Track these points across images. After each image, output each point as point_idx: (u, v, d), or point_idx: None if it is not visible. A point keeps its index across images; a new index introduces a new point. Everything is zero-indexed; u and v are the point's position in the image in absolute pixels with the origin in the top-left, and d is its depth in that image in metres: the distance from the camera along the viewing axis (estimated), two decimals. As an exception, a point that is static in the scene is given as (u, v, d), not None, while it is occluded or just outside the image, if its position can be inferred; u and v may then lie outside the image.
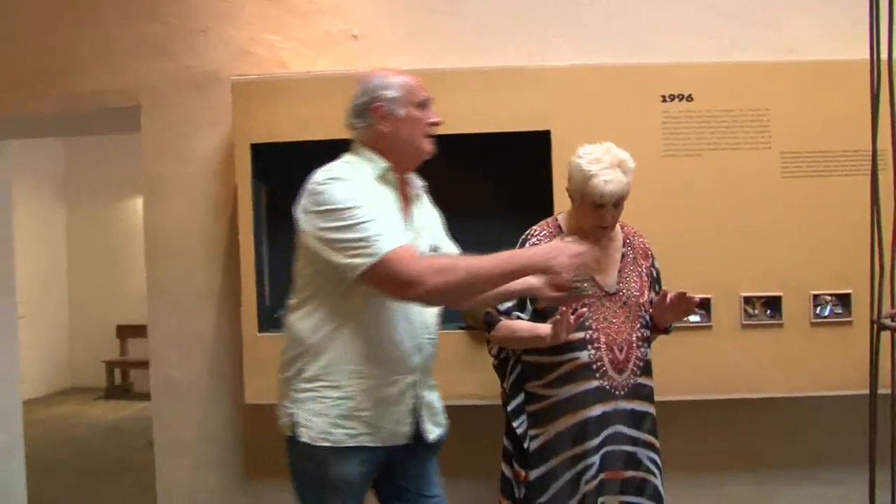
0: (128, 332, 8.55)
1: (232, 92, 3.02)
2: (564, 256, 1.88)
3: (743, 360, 2.88)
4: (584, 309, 2.21)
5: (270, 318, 3.03)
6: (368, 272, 1.81)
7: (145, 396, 7.47)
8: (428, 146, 2.06)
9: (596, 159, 2.23)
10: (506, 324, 2.30)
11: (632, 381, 2.28)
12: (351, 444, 1.94)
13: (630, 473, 2.29)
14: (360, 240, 1.82)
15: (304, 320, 1.97)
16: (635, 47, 3.02)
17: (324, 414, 1.93)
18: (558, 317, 2.15)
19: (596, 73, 2.91)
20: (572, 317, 2.13)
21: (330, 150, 2.87)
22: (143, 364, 7.62)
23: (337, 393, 1.94)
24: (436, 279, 1.80)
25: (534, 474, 2.28)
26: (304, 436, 1.93)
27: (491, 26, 3.09)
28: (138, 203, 8.59)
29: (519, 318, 2.31)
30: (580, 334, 2.24)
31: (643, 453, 2.30)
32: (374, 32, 3.13)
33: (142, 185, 3.33)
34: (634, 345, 2.29)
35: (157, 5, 3.27)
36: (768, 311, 2.89)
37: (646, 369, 2.33)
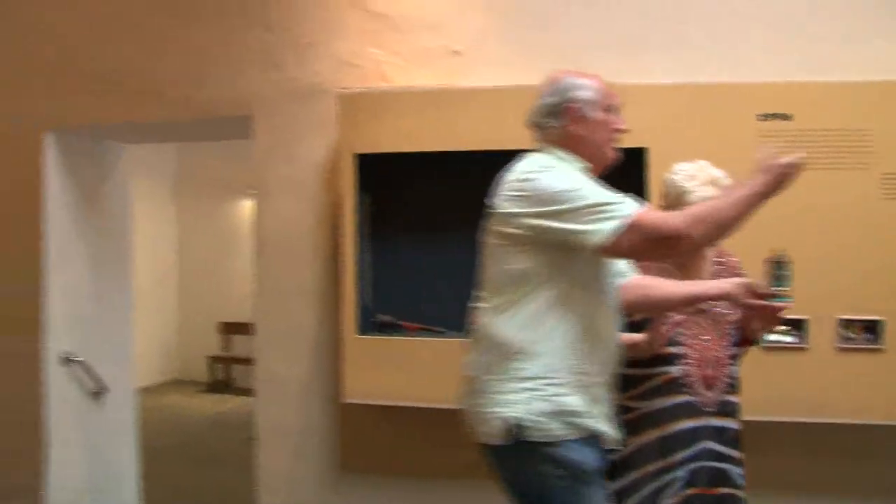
0: (231, 329, 8.91)
1: (337, 103, 3.15)
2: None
3: (838, 384, 2.82)
4: (677, 321, 2.24)
5: (369, 322, 3.15)
6: (620, 234, 1.79)
7: (245, 391, 7.80)
8: (613, 152, 2.07)
9: (690, 176, 2.26)
10: None
11: (721, 398, 2.29)
12: (583, 434, 1.93)
13: (723, 490, 2.29)
14: (601, 205, 1.82)
15: (514, 320, 1.95)
16: (732, 66, 3.00)
17: (552, 412, 1.90)
18: (653, 328, 2.19)
19: (693, 91, 2.91)
20: (664, 328, 2.17)
21: (430, 161, 3.01)
22: (245, 360, 8.00)
23: (562, 389, 1.91)
24: (699, 228, 1.80)
25: (615, 486, 2.31)
26: (534, 436, 1.89)
27: (591, 42, 3.11)
28: (244, 205, 8.97)
29: None
30: (671, 349, 2.27)
31: (734, 470, 2.31)
32: (475, 48, 3.21)
33: (253, 189, 3.52)
34: (724, 362, 2.30)
35: (268, 19, 3.44)
36: (867, 335, 2.84)
37: (734, 387, 2.34)
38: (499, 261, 2.02)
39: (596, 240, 1.81)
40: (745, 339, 2.38)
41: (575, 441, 1.91)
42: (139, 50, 3.62)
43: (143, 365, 7.92)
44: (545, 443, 1.89)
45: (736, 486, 2.31)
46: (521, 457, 1.94)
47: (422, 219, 3.20)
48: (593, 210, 1.82)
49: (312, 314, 3.38)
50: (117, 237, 4.41)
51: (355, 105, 3.12)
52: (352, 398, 3.10)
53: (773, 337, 2.78)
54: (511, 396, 1.93)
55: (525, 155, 2.08)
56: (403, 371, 3.03)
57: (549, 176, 1.91)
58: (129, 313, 4.54)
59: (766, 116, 2.86)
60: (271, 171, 3.44)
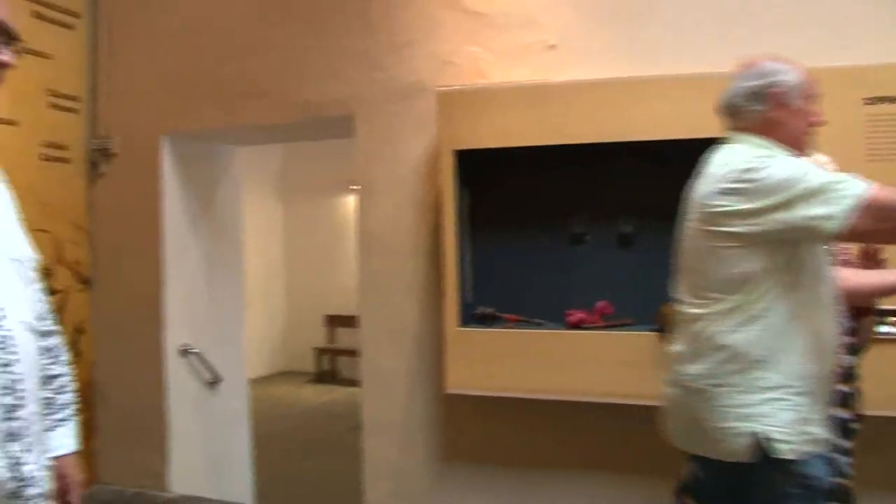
0: (336, 321, 9.15)
1: (436, 101, 3.22)
2: None
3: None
4: None
5: (470, 314, 3.21)
6: (857, 215, 1.67)
7: (349, 382, 8.01)
8: (807, 145, 1.97)
9: None
10: None
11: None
12: (823, 447, 1.84)
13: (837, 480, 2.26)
14: (831, 186, 1.71)
15: (748, 326, 1.82)
16: (839, 49, 2.92)
17: (798, 423, 1.79)
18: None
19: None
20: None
21: (527, 155, 3.04)
22: (350, 352, 8.23)
23: (804, 399, 1.81)
24: None
25: None
26: (782, 451, 1.77)
27: (692, 32, 3.07)
28: (347, 201, 9.18)
29: None
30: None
31: (841, 459, 2.27)
32: (571, 42, 3.22)
33: (356, 186, 3.63)
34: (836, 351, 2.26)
35: (369, 21, 3.54)
36: None
37: (846, 376, 2.29)
38: (717, 262, 1.87)
39: (832, 225, 1.69)
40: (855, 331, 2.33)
41: (818, 456, 1.82)
42: (246, 56, 3.79)
43: (253, 357, 8.26)
44: (790, 459, 1.78)
45: (844, 476, 2.27)
46: (763, 474, 1.81)
47: (520, 212, 3.24)
48: (824, 192, 1.70)
49: (415, 307, 3.46)
50: (229, 235, 4.62)
51: (454, 102, 3.17)
52: (454, 389, 3.17)
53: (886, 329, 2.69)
54: (754, 409, 1.80)
55: (722, 145, 2.00)
56: (504, 362, 3.07)
57: (772, 165, 1.79)
58: (242, 307, 4.75)
59: (874, 100, 2.77)
60: (373, 169, 3.54)
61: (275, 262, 9.82)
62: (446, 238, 3.18)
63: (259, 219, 9.11)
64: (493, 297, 3.23)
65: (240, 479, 4.49)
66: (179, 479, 4.05)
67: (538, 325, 3.13)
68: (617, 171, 3.07)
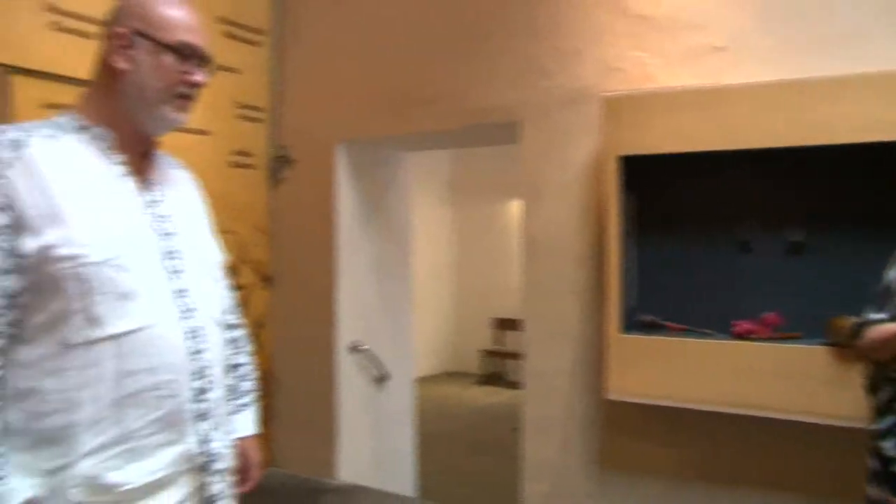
0: (504, 324, 9.25)
1: (602, 107, 3.21)
2: None
3: None
4: None
5: (633, 321, 3.18)
6: None
7: (515, 385, 8.07)
8: None
9: None
10: (879, 328, 2.16)
11: None
12: None
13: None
14: None
15: None
16: None
17: None
18: None
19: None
20: None
21: (694, 161, 2.98)
22: (516, 355, 8.30)
23: None
24: None
25: None
26: None
27: (872, 28, 2.90)
28: (514, 206, 9.26)
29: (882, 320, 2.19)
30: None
31: None
32: (740, 43, 3.11)
33: (522, 191, 3.68)
34: None
35: (535, 28, 3.57)
36: None
37: None
38: None
39: None
40: None
41: None
42: (416, 66, 3.93)
43: (420, 357, 8.49)
44: None
45: None
46: None
47: (686, 219, 3.18)
48: None
49: (577, 312, 3.46)
50: (399, 238, 4.80)
51: (619, 108, 3.15)
52: (615, 395, 3.14)
53: None
54: None
55: None
56: (667, 371, 3.02)
57: None
58: (410, 308, 4.92)
59: None
60: (538, 174, 3.57)
61: (444, 264, 10.05)
62: (610, 243, 3.15)
63: (429, 223, 9.35)
64: (656, 304, 3.18)
65: (403, 473, 4.65)
66: (347, 469, 4.25)
67: (706, 335, 3.05)
68: (788, 177, 2.95)
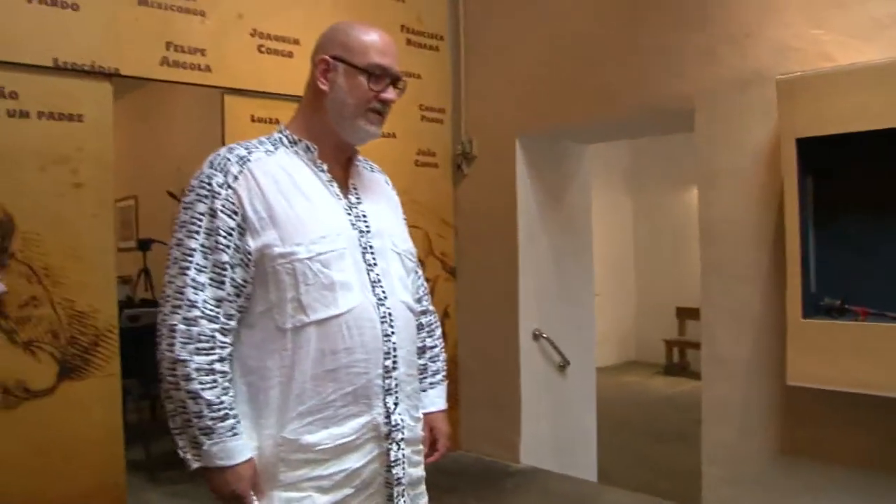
0: (686, 313, 9.09)
1: (777, 89, 3.17)
2: None
3: None
4: None
5: (815, 305, 3.12)
6: None
7: (699, 376, 7.95)
8: None
9: None
10: None
11: None
12: None
13: None
14: None
15: None
16: None
17: None
18: None
19: None
20: None
21: (877, 139, 2.90)
22: (698, 345, 8.12)
23: None
24: None
25: None
26: None
27: None
28: (694, 193, 9.09)
29: None
30: None
31: None
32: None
33: (696, 178, 3.69)
34: None
35: (704, 16, 3.57)
36: None
37: None
38: None
39: None
40: None
41: None
42: (589, 59, 4.04)
43: (602, 346, 8.52)
44: None
45: None
46: None
47: (869, 200, 3.08)
48: None
49: (757, 298, 3.43)
50: (578, 229, 4.91)
51: (795, 89, 3.09)
52: (796, 381, 3.10)
53: None
54: None
55: None
56: (853, 357, 2.93)
57: None
58: (591, 297, 5.02)
59: None
60: (713, 161, 3.57)
61: (625, 254, 10.01)
62: (789, 227, 3.11)
63: (609, 212, 9.35)
64: (837, 288, 3.11)
65: (585, 458, 4.76)
66: (529, 452, 4.44)
67: (893, 320, 2.96)
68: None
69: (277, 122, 3.55)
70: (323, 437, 1.70)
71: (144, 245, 6.50)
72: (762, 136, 3.39)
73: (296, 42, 3.93)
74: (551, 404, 4.63)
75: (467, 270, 4.71)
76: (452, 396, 4.66)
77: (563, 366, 4.62)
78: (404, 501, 1.82)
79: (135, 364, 3.88)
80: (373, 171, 2.03)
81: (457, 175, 4.72)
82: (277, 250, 1.68)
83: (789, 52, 3.31)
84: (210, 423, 1.62)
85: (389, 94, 1.83)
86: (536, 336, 4.51)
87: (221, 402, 1.64)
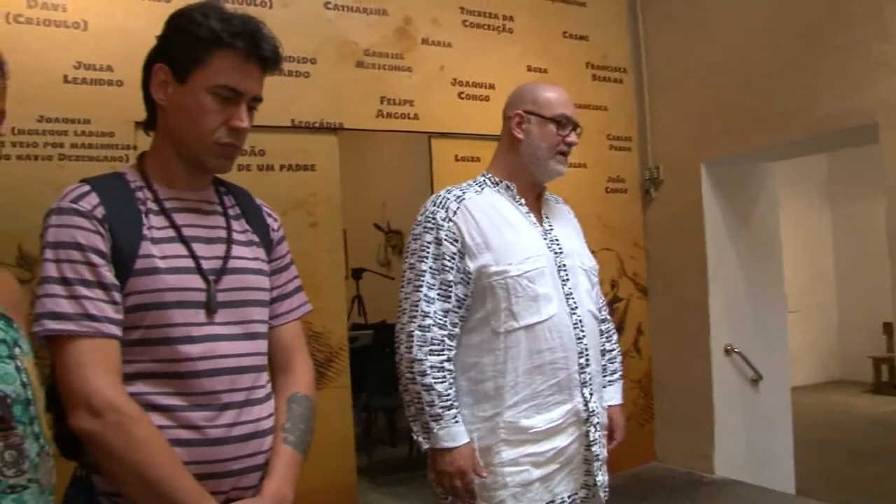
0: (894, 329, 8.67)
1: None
2: None
3: None
4: None
5: None
6: None
7: (911, 394, 7.58)
8: None
9: None
10: None
11: None
12: None
13: None
14: None
15: None
16: None
17: None
18: None
19: None
20: None
21: None
22: (907, 362, 7.78)
23: None
24: None
25: None
26: None
27: None
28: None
29: None
30: None
31: None
32: None
33: (884, 190, 3.73)
34: None
35: (882, 26, 3.61)
36: None
37: None
38: None
39: None
40: None
41: None
42: (768, 80, 4.18)
43: (803, 363, 8.36)
44: None
45: None
46: None
47: None
48: None
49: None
50: (768, 245, 5.00)
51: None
52: None
53: None
54: None
55: None
56: None
57: None
58: (783, 313, 5.08)
59: None
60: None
61: (824, 268, 9.69)
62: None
63: (806, 226, 9.12)
64: None
65: (782, 472, 4.79)
66: (723, 464, 4.57)
67: None
68: None
69: (478, 160, 4.06)
70: (537, 421, 2.09)
71: (357, 274, 7.13)
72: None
73: (491, 87, 4.36)
74: (746, 418, 4.73)
75: (659, 289, 4.93)
76: (647, 411, 4.89)
77: (756, 380, 4.72)
78: (601, 474, 2.19)
79: (353, 381, 4.37)
80: (558, 202, 2.41)
81: (646, 199, 4.97)
82: (493, 269, 2.08)
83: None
84: (440, 410, 2.04)
85: (573, 137, 2.23)
86: (728, 351, 4.65)
87: (448, 394, 2.06)
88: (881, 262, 3.74)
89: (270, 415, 1.57)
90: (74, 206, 1.41)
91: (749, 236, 4.86)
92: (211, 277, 1.49)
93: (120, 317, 1.40)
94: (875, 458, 5.78)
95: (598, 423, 2.17)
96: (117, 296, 1.40)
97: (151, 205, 1.50)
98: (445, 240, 2.10)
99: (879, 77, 3.66)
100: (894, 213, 3.67)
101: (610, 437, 2.36)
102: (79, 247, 1.39)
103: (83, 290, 1.37)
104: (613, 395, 2.40)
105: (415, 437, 2.12)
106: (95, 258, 1.39)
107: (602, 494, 2.20)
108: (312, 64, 3.83)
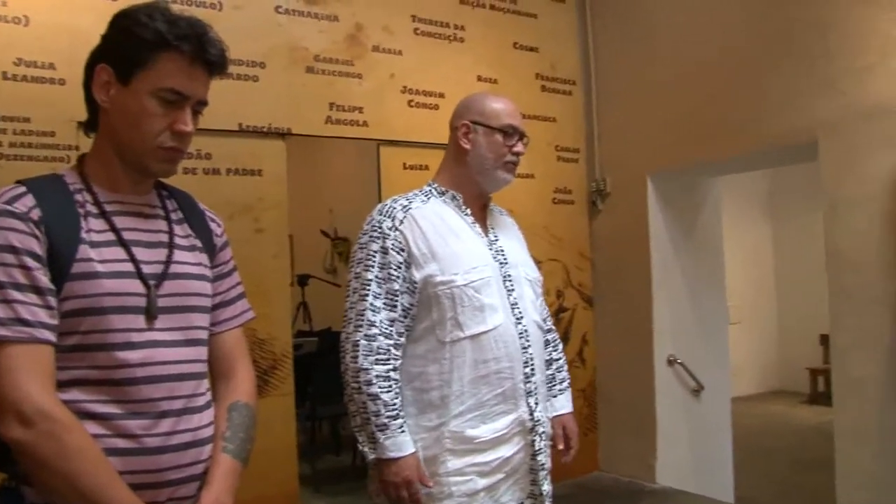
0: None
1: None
2: None
3: None
4: None
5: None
6: None
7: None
8: None
9: None
10: None
11: None
12: None
13: None
14: None
15: None
16: None
17: None
18: None
19: None
20: None
21: None
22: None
23: None
24: None
25: None
26: None
27: None
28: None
29: None
30: None
31: None
32: None
33: (822, 206, 3.80)
34: None
35: (827, 50, 3.70)
36: None
37: None
38: None
39: None
40: None
41: None
42: (713, 97, 4.27)
43: (743, 375, 8.51)
44: None
45: None
46: None
47: None
48: None
49: (888, 321, 3.51)
50: (711, 257, 5.09)
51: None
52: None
53: None
54: None
55: None
56: None
57: None
58: (725, 324, 5.17)
59: None
60: (838, 190, 3.69)
61: (765, 281, 9.90)
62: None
63: (748, 240, 9.31)
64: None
65: (722, 482, 4.87)
66: (666, 474, 4.63)
67: None
68: None
69: (427, 168, 4.05)
70: (482, 430, 2.09)
71: (303, 280, 7.07)
72: (888, 165, 3.49)
73: (441, 96, 4.36)
74: (687, 428, 4.80)
75: (604, 300, 4.98)
76: (590, 420, 4.93)
77: (697, 391, 4.79)
78: (546, 483, 2.21)
79: (298, 388, 4.31)
80: (502, 214, 2.43)
81: (592, 211, 5.03)
82: (439, 279, 2.09)
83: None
84: (386, 420, 2.03)
85: (519, 147, 2.26)
86: (671, 362, 4.71)
87: (395, 404, 2.05)
88: (819, 276, 3.82)
89: (210, 423, 1.54)
90: (9, 207, 1.37)
91: (693, 249, 4.94)
92: (151, 282, 1.46)
93: (55, 322, 1.36)
94: (816, 467, 5.88)
95: (543, 432, 2.19)
96: (52, 300, 1.36)
97: (91, 207, 1.46)
98: (392, 249, 2.10)
99: (822, 97, 3.75)
100: (832, 228, 3.76)
101: (567, 446, 2.38)
102: (13, 249, 1.34)
103: (16, 294, 1.33)
104: (564, 403, 2.42)
105: (360, 446, 2.10)
106: (30, 261, 1.35)
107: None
108: (262, 68, 3.79)
